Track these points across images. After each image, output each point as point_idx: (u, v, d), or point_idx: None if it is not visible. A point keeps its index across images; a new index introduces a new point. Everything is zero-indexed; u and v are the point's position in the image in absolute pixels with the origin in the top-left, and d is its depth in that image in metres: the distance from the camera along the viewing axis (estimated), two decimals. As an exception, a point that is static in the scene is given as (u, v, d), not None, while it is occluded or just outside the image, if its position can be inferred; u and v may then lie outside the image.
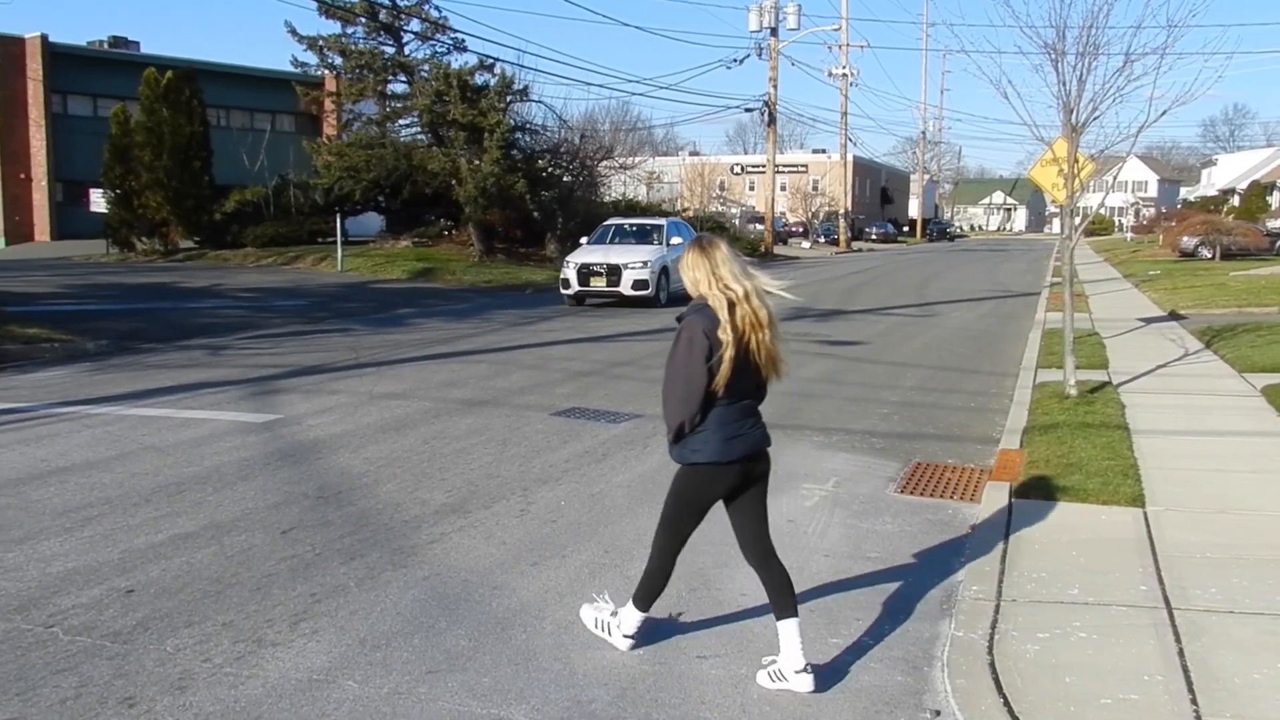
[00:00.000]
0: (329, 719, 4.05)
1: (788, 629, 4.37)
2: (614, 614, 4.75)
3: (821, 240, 66.30)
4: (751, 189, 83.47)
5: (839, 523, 6.82)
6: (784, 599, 4.42)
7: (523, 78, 34.82)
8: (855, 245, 65.64)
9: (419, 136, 35.81)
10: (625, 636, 4.70)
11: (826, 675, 4.49)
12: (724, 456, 4.27)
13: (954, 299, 25.28)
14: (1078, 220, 11.52)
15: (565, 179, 37.27)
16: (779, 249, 51.92)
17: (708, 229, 44.18)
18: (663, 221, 24.53)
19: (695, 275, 4.28)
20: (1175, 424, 9.48)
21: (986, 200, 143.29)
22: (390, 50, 35.40)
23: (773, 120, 50.55)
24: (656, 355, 14.36)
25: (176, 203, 33.04)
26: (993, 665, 4.51)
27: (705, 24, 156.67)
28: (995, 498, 7.12)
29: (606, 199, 40.87)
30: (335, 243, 30.23)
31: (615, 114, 50.83)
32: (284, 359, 13.42)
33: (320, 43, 35.02)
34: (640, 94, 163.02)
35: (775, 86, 49.32)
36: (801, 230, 68.53)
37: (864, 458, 8.67)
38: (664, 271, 21.97)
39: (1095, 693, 4.23)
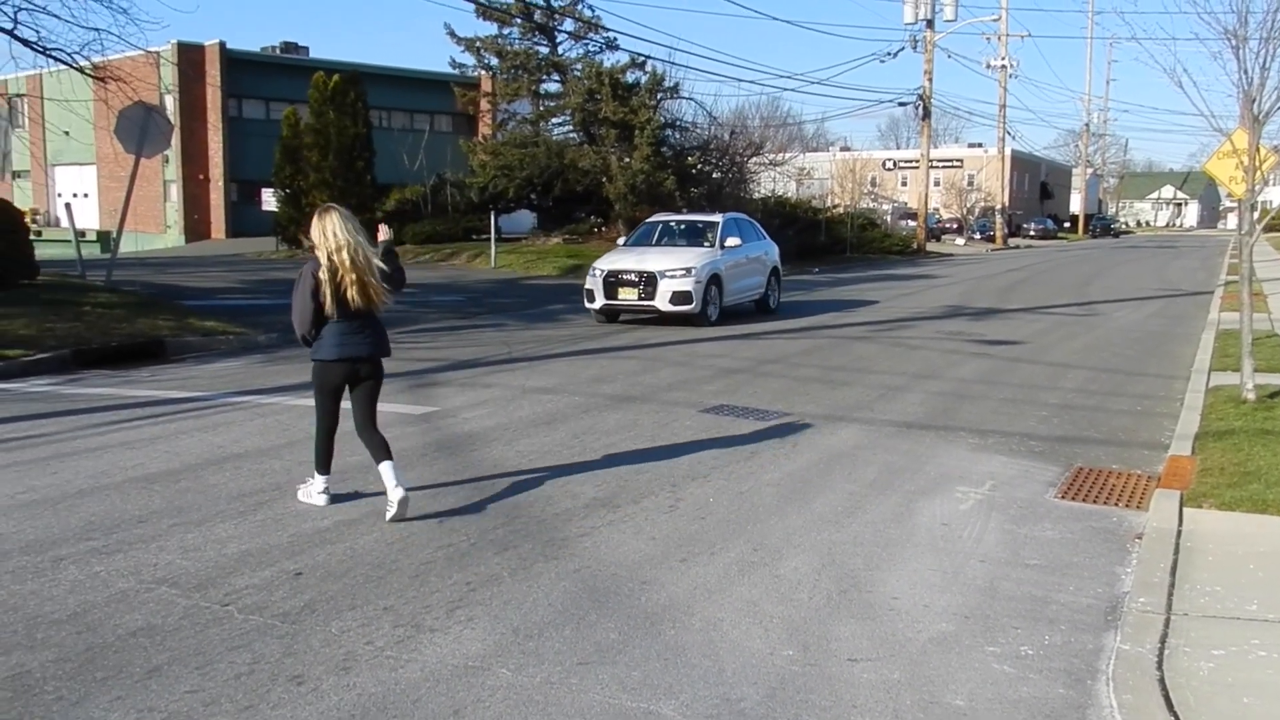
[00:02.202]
0: (484, 705, 4.15)
1: (385, 468, 6.42)
2: (309, 481, 6.80)
3: (976, 237, 64.45)
4: (904, 184, 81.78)
5: (996, 528, 6.62)
6: (380, 452, 6.47)
7: (673, 75, 35.11)
8: (1012, 242, 63.54)
9: (571, 135, 36.46)
10: (320, 493, 6.71)
11: (981, 685, 4.38)
12: (332, 356, 6.43)
13: (1118, 298, 24.23)
14: (1257, 215, 10.90)
15: (715, 176, 37.28)
16: (932, 245, 50.69)
17: (858, 225, 43.59)
18: (718, 218, 19.34)
19: (313, 235, 6.30)
20: (1366, 433, 8.85)
21: (1155, 195, 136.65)
22: (544, 50, 36.13)
23: (927, 114, 49.45)
24: (805, 354, 14.23)
25: (341, 201, 33.89)
26: (1162, 681, 4.30)
27: (858, 17, 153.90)
28: (1164, 506, 6.79)
29: (756, 195, 40.65)
30: (489, 240, 30.92)
31: (765, 110, 50.24)
32: (440, 353, 13.81)
33: (478, 44, 36.03)
34: (791, 89, 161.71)
35: (930, 79, 48.20)
36: (955, 226, 66.78)
37: (1022, 461, 8.40)
38: (715, 280, 17.52)
39: (1276, 716, 4.00)
